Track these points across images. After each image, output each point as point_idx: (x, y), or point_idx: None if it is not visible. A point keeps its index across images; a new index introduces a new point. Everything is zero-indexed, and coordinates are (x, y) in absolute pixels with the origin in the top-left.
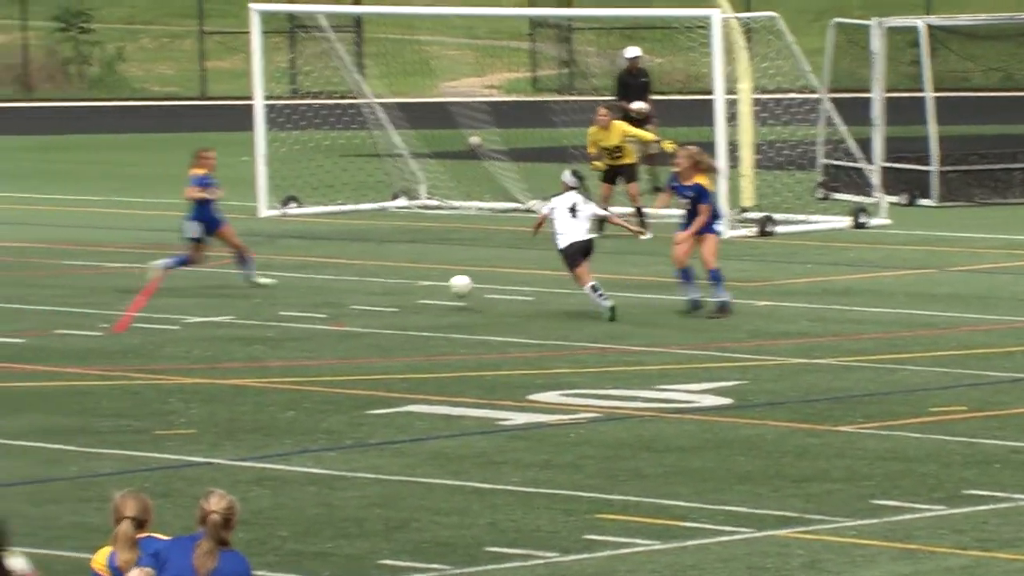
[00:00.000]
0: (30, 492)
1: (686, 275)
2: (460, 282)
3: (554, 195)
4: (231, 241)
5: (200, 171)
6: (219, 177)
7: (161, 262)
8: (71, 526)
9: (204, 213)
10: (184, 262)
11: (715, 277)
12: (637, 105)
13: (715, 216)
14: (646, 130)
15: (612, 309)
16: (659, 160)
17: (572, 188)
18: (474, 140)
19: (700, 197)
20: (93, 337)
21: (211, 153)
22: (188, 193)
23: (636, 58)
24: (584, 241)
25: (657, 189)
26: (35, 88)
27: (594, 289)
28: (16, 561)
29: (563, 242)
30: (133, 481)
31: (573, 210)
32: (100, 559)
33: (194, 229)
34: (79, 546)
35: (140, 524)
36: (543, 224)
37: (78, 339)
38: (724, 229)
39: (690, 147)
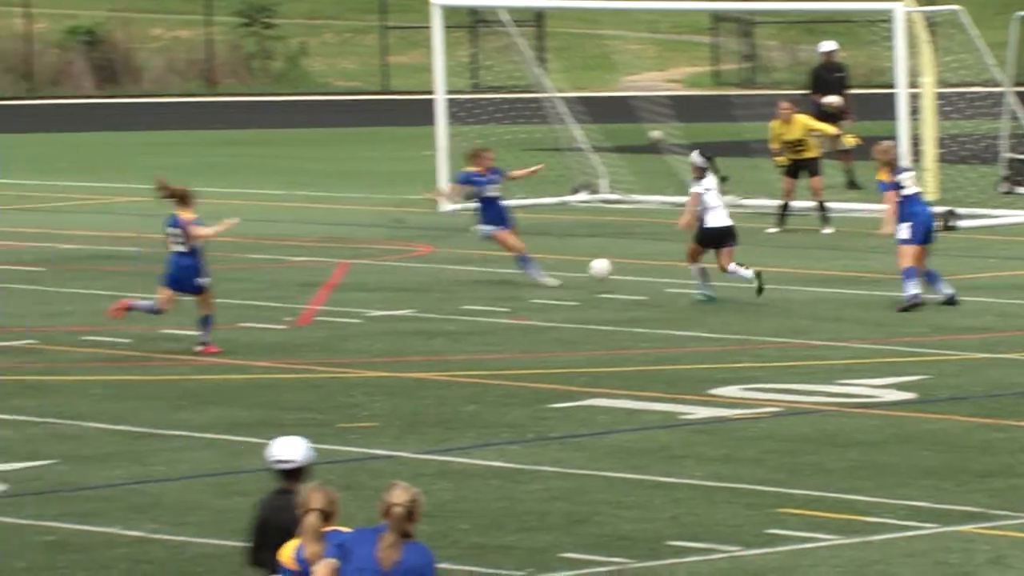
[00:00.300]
0: (216, 484)
1: (927, 277)
2: (599, 266)
3: (695, 179)
4: (509, 242)
5: (474, 169)
6: (401, 172)
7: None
8: None
9: (491, 211)
10: (526, 260)
11: (906, 275)
12: (829, 99)
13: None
14: (840, 125)
15: (708, 297)
16: (852, 155)
17: (703, 168)
18: (655, 134)
19: (880, 189)
20: (277, 331)
21: (490, 153)
22: (446, 192)
23: (832, 52)
24: (729, 226)
25: (852, 184)
26: (219, 83)
27: (732, 273)
28: None
29: (713, 222)
30: (317, 474)
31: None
32: (288, 552)
33: (484, 232)
34: None
35: (327, 517)
36: (695, 204)
37: (263, 333)
38: (907, 233)
39: (884, 143)
